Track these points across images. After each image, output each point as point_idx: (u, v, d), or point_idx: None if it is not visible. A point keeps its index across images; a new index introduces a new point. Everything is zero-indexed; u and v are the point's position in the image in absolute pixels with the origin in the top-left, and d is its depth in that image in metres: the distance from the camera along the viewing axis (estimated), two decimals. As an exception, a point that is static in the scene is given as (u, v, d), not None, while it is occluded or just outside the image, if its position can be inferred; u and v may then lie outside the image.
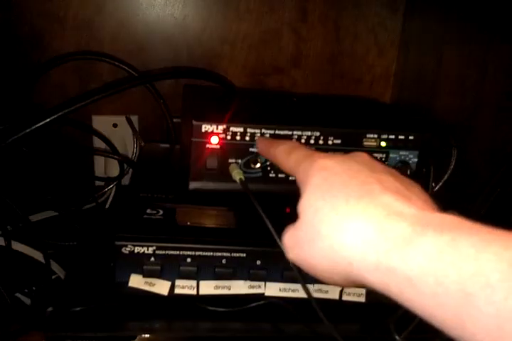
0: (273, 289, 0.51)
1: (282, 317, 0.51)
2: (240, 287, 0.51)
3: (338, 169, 0.35)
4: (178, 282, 0.50)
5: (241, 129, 0.53)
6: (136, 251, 0.49)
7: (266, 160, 0.54)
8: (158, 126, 0.79)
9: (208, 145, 0.53)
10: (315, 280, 0.50)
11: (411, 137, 0.56)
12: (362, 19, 0.85)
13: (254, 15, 0.82)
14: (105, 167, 0.81)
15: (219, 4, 0.80)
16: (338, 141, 0.54)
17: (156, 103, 0.73)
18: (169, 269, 0.50)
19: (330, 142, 0.54)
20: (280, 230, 0.43)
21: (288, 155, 0.42)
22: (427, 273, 0.26)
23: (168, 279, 0.50)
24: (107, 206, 0.75)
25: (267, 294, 0.52)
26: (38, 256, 0.60)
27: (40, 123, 0.57)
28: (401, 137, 0.56)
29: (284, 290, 0.52)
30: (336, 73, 0.86)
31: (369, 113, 0.64)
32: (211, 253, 0.50)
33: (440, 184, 0.63)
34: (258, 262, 0.51)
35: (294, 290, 0.51)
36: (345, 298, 0.52)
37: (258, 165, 0.54)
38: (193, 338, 0.50)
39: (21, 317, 0.57)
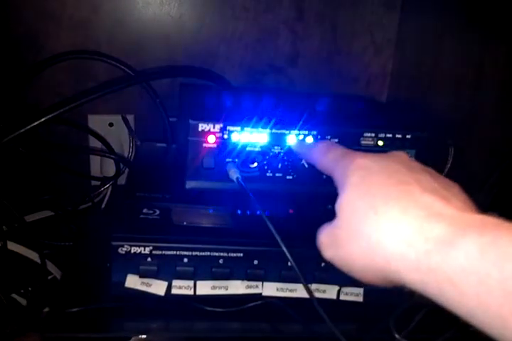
0: (270, 289, 0.51)
1: (280, 317, 0.51)
2: (237, 287, 0.51)
3: (375, 168, 0.36)
4: (174, 282, 0.50)
5: (238, 128, 0.52)
6: (132, 251, 0.49)
7: (263, 160, 0.54)
8: (155, 126, 0.78)
9: (204, 145, 0.53)
10: (313, 280, 0.51)
11: (408, 136, 0.56)
12: (358, 18, 0.84)
13: (251, 14, 0.81)
14: (101, 166, 0.81)
15: (215, 3, 0.80)
16: (336, 140, 0.54)
17: (153, 102, 0.73)
18: (166, 269, 0.50)
19: (327, 141, 0.54)
20: (279, 229, 0.44)
21: (324, 155, 0.42)
22: (468, 273, 0.26)
23: (164, 279, 0.50)
24: (103, 206, 0.75)
25: (264, 294, 0.51)
26: (33, 256, 0.60)
27: (36, 123, 0.57)
28: (398, 136, 0.56)
29: (282, 290, 0.51)
30: (333, 72, 0.86)
31: (366, 112, 0.64)
32: (208, 253, 0.50)
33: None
34: (255, 262, 0.51)
35: (292, 290, 0.51)
36: (342, 297, 0.52)
37: (255, 164, 0.54)
38: (190, 338, 0.50)
39: (17, 318, 0.57)
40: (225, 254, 0.50)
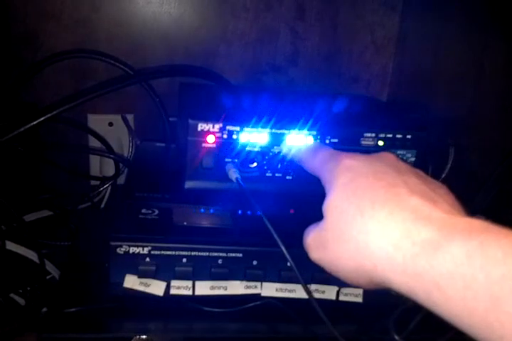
0: (269, 289, 0.51)
1: (279, 317, 0.51)
2: (236, 287, 0.51)
3: (363, 170, 0.35)
4: (173, 282, 0.50)
5: (237, 128, 0.52)
6: (131, 251, 0.48)
7: (262, 160, 0.54)
8: (154, 125, 0.78)
9: (204, 145, 0.52)
10: (312, 281, 0.51)
11: (409, 136, 0.56)
12: (359, 17, 0.84)
13: (251, 13, 0.81)
14: (100, 166, 0.81)
15: (215, 2, 0.80)
16: (336, 140, 0.54)
17: (152, 102, 0.73)
18: (165, 269, 0.49)
19: (327, 141, 0.54)
20: (278, 229, 0.43)
21: (313, 155, 0.42)
22: (455, 277, 0.26)
23: (163, 279, 0.50)
24: (102, 206, 0.74)
25: (263, 294, 0.51)
26: (32, 256, 0.60)
27: (35, 122, 0.57)
28: (399, 136, 0.56)
29: (281, 290, 0.51)
30: (333, 71, 0.86)
31: (366, 111, 0.64)
32: (207, 254, 0.50)
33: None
34: (254, 262, 0.51)
35: (291, 291, 0.51)
36: (342, 298, 0.52)
37: (255, 164, 0.54)
38: (188, 339, 0.50)
39: (16, 317, 0.57)
40: (224, 254, 0.50)
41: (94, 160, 0.82)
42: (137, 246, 0.49)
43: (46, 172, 0.76)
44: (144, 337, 0.48)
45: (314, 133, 0.53)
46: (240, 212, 0.55)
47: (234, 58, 0.83)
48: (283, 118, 0.53)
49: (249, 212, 0.55)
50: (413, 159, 0.56)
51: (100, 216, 0.72)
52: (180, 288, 0.50)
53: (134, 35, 0.79)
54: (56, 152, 0.76)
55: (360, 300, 0.52)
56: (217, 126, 0.52)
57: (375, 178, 0.34)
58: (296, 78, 0.85)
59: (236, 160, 0.53)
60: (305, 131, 0.53)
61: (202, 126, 0.52)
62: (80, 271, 0.57)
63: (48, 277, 0.61)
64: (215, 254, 0.50)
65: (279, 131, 0.53)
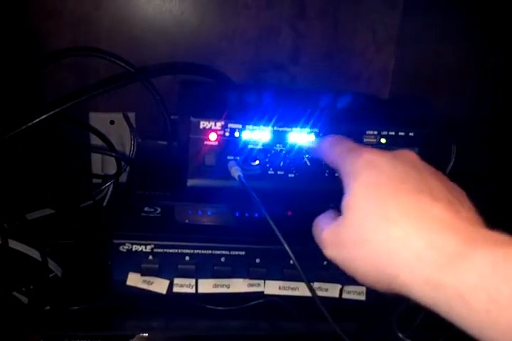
0: (272, 287, 0.51)
1: (282, 315, 0.51)
2: (239, 285, 0.51)
3: (386, 169, 0.35)
4: (176, 280, 0.50)
5: (239, 126, 0.52)
6: (134, 249, 0.49)
7: (265, 157, 0.54)
8: (155, 123, 0.78)
9: (206, 142, 0.52)
10: (315, 279, 0.51)
11: (411, 134, 0.56)
12: (360, 15, 0.84)
13: (252, 11, 0.81)
14: (102, 164, 0.81)
15: (216, 0, 0.80)
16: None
17: (153, 100, 0.73)
18: (167, 267, 0.49)
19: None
20: (281, 227, 0.43)
21: (331, 148, 0.41)
22: (479, 289, 0.26)
23: (166, 277, 0.50)
24: (104, 204, 0.74)
25: (266, 292, 0.51)
26: (35, 254, 0.60)
27: (36, 120, 0.57)
28: (401, 134, 0.55)
29: (284, 288, 0.51)
30: (334, 69, 0.86)
31: (369, 109, 0.64)
32: (210, 252, 0.50)
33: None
34: (257, 260, 0.51)
35: (294, 289, 0.51)
36: (345, 296, 0.52)
37: (257, 162, 0.54)
38: (191, 337, 0.50)
39: (19, 316, 0.57)
40: (227, 252, 0.50)
41: (96, 158, 0.82)
42: (140, 244, 0.49)
43: (48, 170, 0.76)
44: (146, 335, 0.48)
45: (316, 130, 0.53)
46: (242, 209, 0.55)
47: (235, 56, 0.83)
48: (285, 116, 0.53)
49: (251, 210, 0.55)
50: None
51: (102, 214, 0.72)
52: (183, 286, 0.50)
53: (135, 32, 0.79)
54: (58, 150, 0.76)
55: (363, 298, 0.52)
56: (219, 124, 0.52)
57: (399, 181, 0.33)
58: (297, 76, 0.85)
59: (238, 158, 0.53)
60: (307, 129, 0.53)
61: (204, 124, 0.52)
62: (82, 269, 0.57)
63: (50, 275, 0.61)
64: (218, 252, 0.50)
65: (281, 129, 0.53)
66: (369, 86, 0.87)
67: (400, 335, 0.43)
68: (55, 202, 0.73)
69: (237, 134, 0.52)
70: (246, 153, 0.53)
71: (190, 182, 0.53)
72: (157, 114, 0.74)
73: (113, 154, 0.73)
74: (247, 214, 0.54)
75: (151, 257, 0.49)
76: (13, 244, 0.59)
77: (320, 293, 0.51)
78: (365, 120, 0.57)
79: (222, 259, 0.50)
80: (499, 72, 0.61)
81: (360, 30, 0.84)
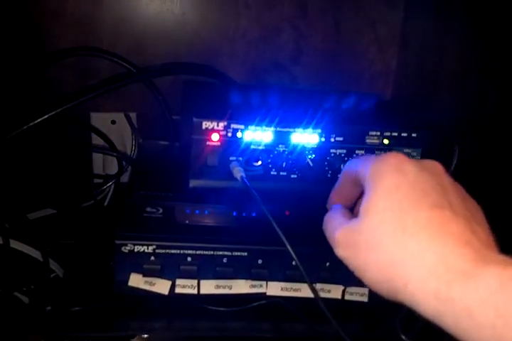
0: (274, 288, 0.51)
1: (284, 316, 0.51)
2: (241, 286, 0.51)
3: (411, 176, 0.34)
4: (178, 281, 0.50)
5: (242, 126, 0.52)
6: (136, 250, 0.48)
7: (267, 158, 0.53)
8: (157, 123, 0.78)
9: (208, 143, 0.52)
10: (317, 280, 0.51)
11: (414, 134, 0.56)
12: (362, 14, 0.84)
13: (254, 11, 0.81)
14: (103, 164, 0.81)
15: (218, 0, 0.79)
16: (341, 139, 0.54)
17: (155, 100, 0.73)
18: (169, 268, 0.49)
19: (332, 139, 0.54)
20: (283, 228, 0.43)
21: (359, 160, 0.40)
22: (487, 304, 0.26)
23: (168, 278, 0.50)
24: (105, 204, 0.74)
25: (268, 293, 0.51)
26: (36, 254, 0.60)
27: (38, 120, 0.57)
28: (404, 134, 0.55)
29: (286, 289, 0.51)
30: (336, 69, 0.86)
31: (371, 110, 0.63)
32: (212, 252, 0.50)
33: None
34: (259, 261, 0.50)
35: (296, 290, 0.51)
36: (347, 297, 0.52)
37: (259, 162, 0.53)
38: (193, 338, 0.50)
39: (20, 316, 0.56)
40: (229, 253, 0.50)
41: (97, 158, 0.82)
42: (142, 245, 0.48)
43: (49, 170, 0.75)
44: (146, 335, 0.47)
45: (319, 131, 0.53)
46: (244, 210, 0.55)
47: (236, 56, 0.83)
48: (287, 117, 0.53)
49: (253, 211, 0.54)
50: (418, 158, 0.56)
51: (104, 214, 0.72)
52: (185, 286, 0.50)
53: (137, 33, 0.79)
54: (59, 150, 0.76)
55: (365, 299, 0.52)
56: (221, 124, 0.52)
57: (422, 193, 0.33)
58: (299, 76, 0.85)
59: (240, 159, 0.53)
60: (309, 129, 0.53)
61: (206, 124, 0.52)
62: (84, 269, 0.57)
63: (51, 275, 0.61)
64: (220, 253, 0.50)
65: (283, 130, 0.53)
66: (371, 86, 0.86)
67: (403, 337, 0.43)
68: (56, 202, 0.73)
69: (239, 135, 0.52)
70: (248, 154, 0.53)
71: (193, 183, 0.53)
72: (158, 114, 0.74)
73: (114, 154, 0.73)
74: (249, 215, 0.54)
75: (153, 258, 0.49)
76: (15, 244, 0.59)
77: (322, 295, 0.51)
78: (367, 120, 0.57)
79: (225, 260, 0.50)
80: (501, 72, 0.61)
81: (361, 30, 0.84)
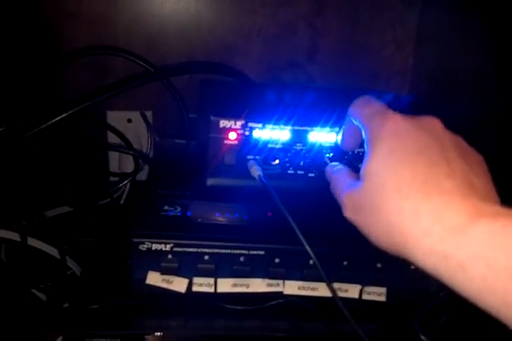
0: (292, 287, 0.51)
1: (301, 316, 0.51)
2: (258, 285, 0.50)
3: (407, 139, 0.35)
4: (195, 279, 0.50)
5: (259, 125, 0.52)
6: (153, 248, 0.48)
7: (285, 157, 0.53)
8: (173, 122, 0.78)
9: (225, 141, 0.52)
10: (334, 279, 0.50)
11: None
12: (378, 13, 0.83)
13: (269, 9, 0.80)
14: (120, 162, 0.81)
15: (233, -2, 0.79)
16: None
17: (171, 98, 0.73)
18: (187, 266, 0.49)
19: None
20: (301, 227, 0.43)
21: (361, 108, 0.42)
22: (478, 258, 0.28)
23: (185, 276, 0.50)
24: (121, 202, 0.75)
25: (285, 292, 0.51)
26: (53, 251, 0.60)
27: (56, 119, 0.57)
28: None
29: (303, 288, 0.51)
30: (352, 68, 0.85)
31: (390, 107, 0.63)
32: (229, 251, 0.50)
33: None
34: (277, 260, 0.50)
35: (314, 289, 0.51)
36: (365, 297, 0.51)
37: (277, 161, 0.53)
38: (210, 336, 0.50)
39: (38, 313, 0.57)
40: (246, 252, 0.50)
41: (113, 157, 0.82)
42: (159, 243, 0.48)
43: (66, 168, 0.76)
44: (159, 334, 0.48)
45: (337, 129, 0.53)
46: (261, 209, 0.55)
47: (251, 54, 0.82)
48: (305, 115, 0.53)
49: (271, 210, 0.54)
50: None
51: (120, 212, 0.72)
52: (203, 285, 0.50)
53: (153, 31, 0.79)
54: (75, 148, 0.77)
55: (383, 299, 0.51)
56: (239, 123, 0.52)
57: (417, 153, 0.34)
58: (315, 74, 0.85)
59: (258, 157, 0.53)
60: (327, 128, 0.53)
61: (224, 123, 0.52)
62: (101, 267, 0.57)
63: (68, 273, 0.61)
64: (237, 252, 0.50)
65: (301, 128, 0.53)
66: (388, 85, 0.86)
67: (423, 337, 0.42)
68: (73, 200, 0.73)
69: (257, 133, 0.52)
70: (266, 153, 0.53)
71: (210, 182, 0.53)
72: (174, 112, 0.74)
73: (130, 152, 0.73)
74: (266, 214, 0.54)
75: (170, 256, 0.49)
76: (32, 242, 0.59)
77: (340, 294, 0.50)
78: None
79: (242, 259, 0.50)
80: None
81: (378, 29, 0.84)
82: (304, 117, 0.53)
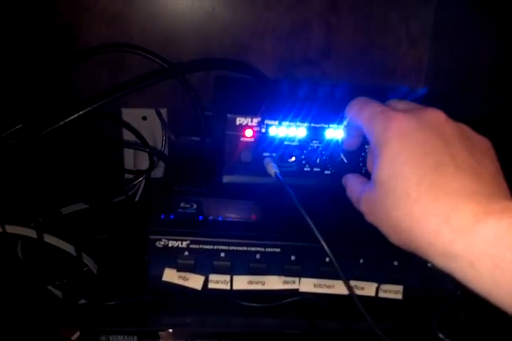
0: (307, 285, 0.51)
1: (317, 313, 0.50)
2: (273, 282, 0.50)
3: (412, 141, 0.35)
4: (211, 277, 0.50)
5: (275, 122, 0.52)
6: (170, 245, 0.49)
7: (301, 154, 0.53)
8: (187, 119, 0.78)
9: (242, 139, 0.52)
10: (351, 277, 0.50)
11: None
12: (393, 9, 0.83)
13: (284, 6, 0.80)
14: (135, 160, 0.81)
15: (248, -6, 0.79)
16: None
17: (186, 95, 0.73)
18: (203, 264, 0.49)
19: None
20: (317, 224, 0.43)
21: (361, 110, 0.42)
22: (486, 256, 0.29)
23: (201, 273, 0.50)
24: (136, 199, 0.75)
25: (301, 290, 0.51)
26: (69, 248, 0.60)
27: (73, 117, 0.58)
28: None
29: (319, 286, 0.51)
30: (367, 64, 0.85)
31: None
32: (245, 248, 0.50)
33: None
34: (292, 257, 0.50)
35: (329, 286, 0.51)
36: (381, 294, 0.51)
37: (293, 158, 0.53)
38: (226, 333, 0.50)
39: (54, 309, 0.57)
40: (262, 249, 0.50)
41: (129, 154, 0.82)
42: (176, 240, 0.49)
43: (82, 165, 0.76)
44: (170, 330, 0.48)
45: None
46: (278, 206, 0.54)
47: (266, 51, 0.82)
48: (321, 112, 0.53)
49: (287, 207, 0.54)
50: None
51: (135, 209, 0.73)
52: (219, 282, 0.50)
53: (168, 28, 0.79)
54: (91, 146, 0.77)
55: (400, 296, 0.51)
56: (255, 120, 0.52)
57: (424, 156, 0.34)
58: (329, 71, 0.84)
59: (274, 155, 0.53)
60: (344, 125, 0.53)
61: (240, 120, 0.51)
62: (117, 264, 0.57)
63: (84, 269, 0.61)
64: (253, 249, 0.50)
65: (317, 125, 0.52)
66: (403, 81, 0.85)
67: (441, 335, 0.42)
68: (88, 197, 0.73)
69: (273, 130, 0.52)
70: (282, 150, 0.53)
71: (226, 179, 0.53)
72: (188, 109, 0.74)
73: (145, 149, 0.73)
74: (283, 211, 0.54)
75: (186, 253, 0.49)
76: (48, 239, 0.60)
77: (356, 292, 0.50)
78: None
79: (258, 256, 0.50)
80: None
81: (393, 25, 0.83)
82: (321, 114, 0.53)
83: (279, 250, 0.50)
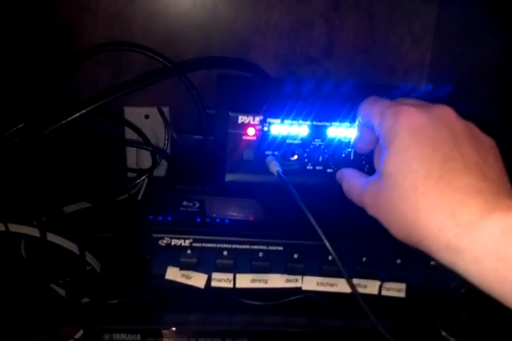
0: (310, 283, 0.51)
1: (320, 311, 0.50)
2: (276, 280, 0.50)
3: (421, 135, 0.36)
4: (214, 275, 0.50)
5: (278, 120, 0.52)
6: (173, 243, 0.49)
7: (303, 152, 0.53)
8: (190, 118, 0.78)
9: (244, 137, 0.52)
10: (353, 275, 0.50)
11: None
12: (395, 7, 0.83)
13: (286, 4, 0.80)
14: (137, 158, 0.81)
15: (250, -8, 0.79)
16: (377, 133, 0.53)
17: (188, 94, 0.73)
18: (206, 262, 0.49)
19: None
20: (320, 223, 0.43)
21: (372, 106, 0.42)
22: (490, 251, 0.29)
23: (204, 272, 0.50)
24: (139, 197, 0.75)
25: (304, 288, 0.51)
26: (72, 247, 0.60)
27: (75, 115, 0.58)
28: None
29: (322, 284, 0.51)
30: (369, 62, 0.85)
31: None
32: (248, 247, 0.50)
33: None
34: (295, 255, 0.50)
35: (332, 285, 0.51)
36: (384, 293, 0.51)
37: (295, 156, 0.53)
38: (229, 331, 0.50)
39: (57, 308, 0.57)
40: (265, 248, 0.50)
41: (131, 153, 0.82)
42: (179, 239, 0.49)
43: (84, 164, 0.77)
44: (174, 328, 0.48)
45: (356, 124, 0.53)
46: (280, 205, 0.54)
47: (268, 49, 0.82)
48: (324, 110, 0.53)
49: (290, 206, 0.54)
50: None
51: (138, 207, 0.73)
52: (221, 280, 0.50)
53: (169, 27, 0.79)
54: (93, 144, 0.77)
55: (403, 295, 0.51)
56: (257, 119, 0.52)
57: (433, 150, 0.35)
58: (331, 69, 0.84)
59: (276, 153, 0.53)
60: (346, 123, 0.53)
61: (242, 119, 0.51)
62: (120, 262, 0.57)
63: (87, 268, 0.61)
64: (256, 247, 0.50)
65: (320, 124, 0.52)
66: (405, 80, 0.85)
67: (444, 333, 0.42)
68: (91, 196, 0.74)
69: (275, 129, 0.52)
70: (284, 148, 0.53)
71: (229, 177, 0.53)
72: (191, 108, 0.74)
73: (148, 148, 0.73)
74: (285, 210, 0.54)
75: (189, 251, 0.49)
76: (51, 237, 0.60)
77: (359, 290, 0.50)
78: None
79: (260, 254, 0.50)
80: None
81: (395, 23, 0.83)
82: (323, 112, 0.53)
83: (281, 248, 0.50)
